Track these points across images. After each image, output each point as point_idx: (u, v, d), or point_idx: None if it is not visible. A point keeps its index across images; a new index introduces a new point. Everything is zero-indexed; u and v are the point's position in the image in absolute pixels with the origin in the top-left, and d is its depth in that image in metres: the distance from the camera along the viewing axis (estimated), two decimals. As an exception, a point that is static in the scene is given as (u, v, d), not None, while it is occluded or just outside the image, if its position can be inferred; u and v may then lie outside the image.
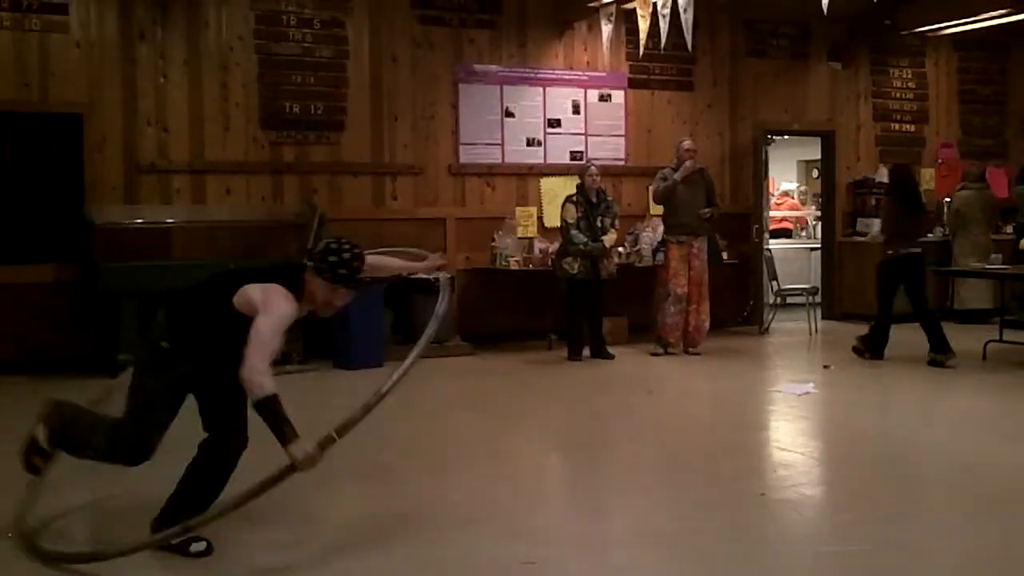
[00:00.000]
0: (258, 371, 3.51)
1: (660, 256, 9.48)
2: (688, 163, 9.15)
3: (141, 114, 8.95)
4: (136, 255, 8.36)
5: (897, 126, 12.47)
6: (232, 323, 3.71)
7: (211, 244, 8.69)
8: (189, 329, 3.84)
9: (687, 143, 9.38)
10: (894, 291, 8.69)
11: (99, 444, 3.90)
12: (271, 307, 3.66)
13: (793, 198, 15.39)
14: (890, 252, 8.72)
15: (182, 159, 9.09)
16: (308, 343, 8.72)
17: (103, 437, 3.89)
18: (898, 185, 8.99)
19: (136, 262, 8.30)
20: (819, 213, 13.37)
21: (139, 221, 8.67)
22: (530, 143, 10.44)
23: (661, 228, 9.82)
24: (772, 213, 14.47)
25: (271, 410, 3.50)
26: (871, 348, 8.80)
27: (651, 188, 9.48)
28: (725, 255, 10.19)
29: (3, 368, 8.27)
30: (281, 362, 8.34)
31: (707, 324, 9.37)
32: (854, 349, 8.93)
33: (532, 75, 10.42)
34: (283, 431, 3.50)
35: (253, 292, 3.72)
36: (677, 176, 9.09)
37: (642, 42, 9.77)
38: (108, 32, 8.88)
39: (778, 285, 10.82)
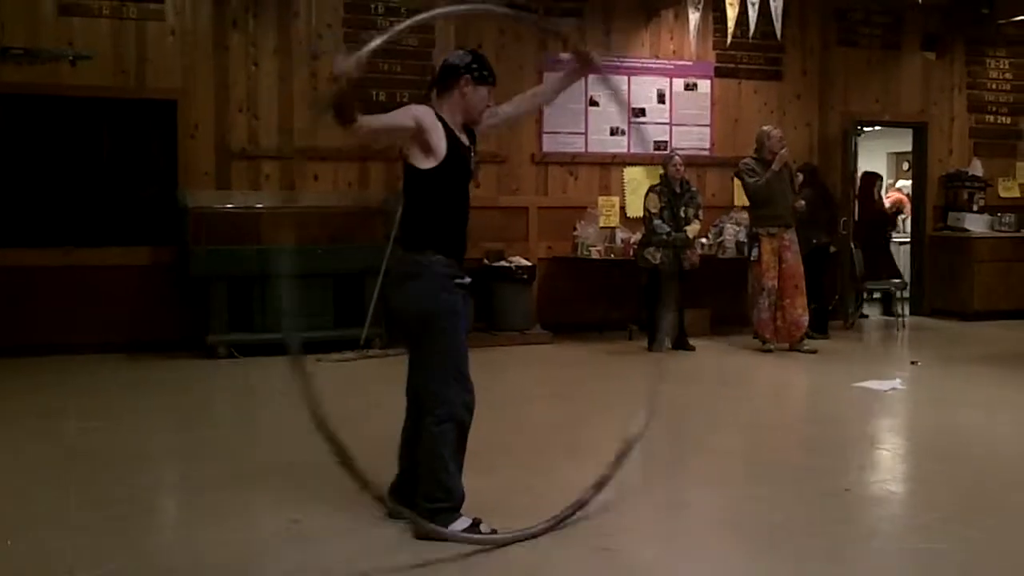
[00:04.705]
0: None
1: (755, 251, 8.93)
2: (783, 152, 8.82)
3: (233, 101, 9.16)
4: (227, 239, 8.55)
5: (992, 118, 12.15)
6: (418, 182, 3.99)
7: (299, 229, 8.84)
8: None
9: (778, 132, 9.03)
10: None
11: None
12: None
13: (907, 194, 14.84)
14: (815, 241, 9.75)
15: (272, 145, 9.27)
16: (391, 329, 8.85)
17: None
18: (816, 180, 10.11)
19: (226, 246, 8.49)
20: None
21: (230, 206, 8.85)
22: (614, 132, 10.42)
23: (746, 219, 9.67)
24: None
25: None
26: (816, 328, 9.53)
27: (751, 183, 8.89)
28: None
29: (100, 347, 8.57)
30: (364, 346, 8.52)
31: (805, 319, 8.93)
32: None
33: (617, 64, 10.37)
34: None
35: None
36: (775, 166, 8.76)
37: (730, 31, 9.66)
38: (202, 21, 9.09)
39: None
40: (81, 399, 6.92)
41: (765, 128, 9.15)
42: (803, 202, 9.17)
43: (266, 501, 4.44)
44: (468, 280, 4.06)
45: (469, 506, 4.00)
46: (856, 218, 11.32)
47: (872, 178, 11.71)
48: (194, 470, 5.07)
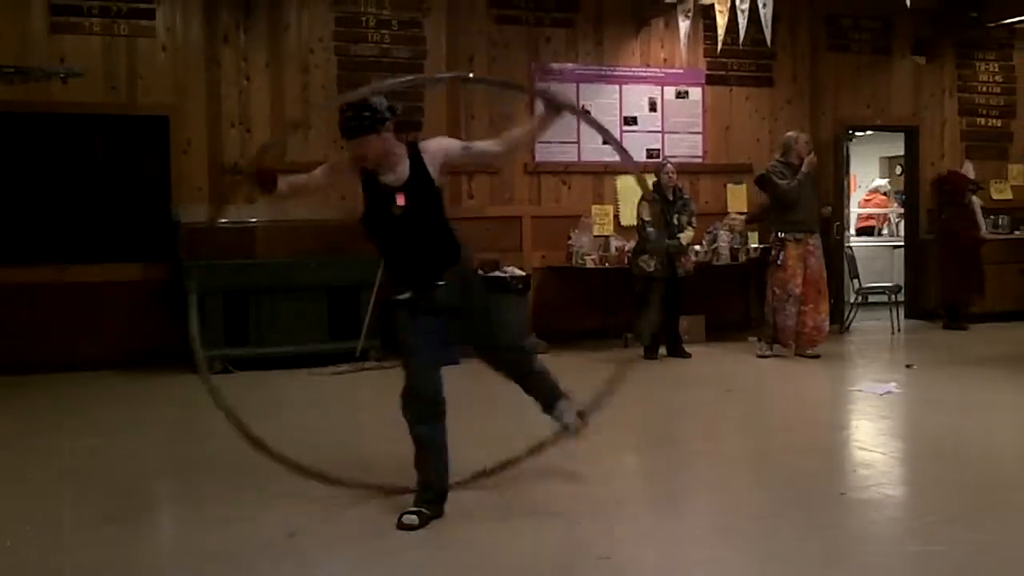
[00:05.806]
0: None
1: (780, 256, 8.80)
2: (811, 156, 8.84)
3: (225, 116, 9.16)
4: (220, 254, 8.54)
5: (983, 121, 12.19)
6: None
7: (293, 243, 8.84)
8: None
9: (805, 136, 9.08)
10: None
11: None
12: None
13: (884, 194, 14.85)
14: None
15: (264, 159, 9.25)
16: (386, 341, 8.83)
17: None
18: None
19: (220, 261, 8.48)
20: (902, 210, 13.12)
21: (223, 221, 8.85)
22: (606, 141, 10.40)
23: (738, 224, 9.67)
24: (860, 210, 14.24)
25: None
26: None
27: (782, 185, 8.75)
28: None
29: (94, 363, 8.54)
30: (359, 359, 8.51)
31: (827, 324, 8.95)
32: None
33: (608, 73, 10.41)
34: None
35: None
36: (805, 169, 8.76)
37: (720, 38, 9.69)
38: (193, 36, 9.10)
39: (859, 283, 10.65)
40: (76, 415, 6.91)
41: (791, 133, 9.16)
42: (829, 208, 9.15)
43: (262, 514, 4.43)
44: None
45: (463, 512, 3.99)
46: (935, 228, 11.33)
47: (962, 180, 11.24)
48: (190, 484, 5.06)
